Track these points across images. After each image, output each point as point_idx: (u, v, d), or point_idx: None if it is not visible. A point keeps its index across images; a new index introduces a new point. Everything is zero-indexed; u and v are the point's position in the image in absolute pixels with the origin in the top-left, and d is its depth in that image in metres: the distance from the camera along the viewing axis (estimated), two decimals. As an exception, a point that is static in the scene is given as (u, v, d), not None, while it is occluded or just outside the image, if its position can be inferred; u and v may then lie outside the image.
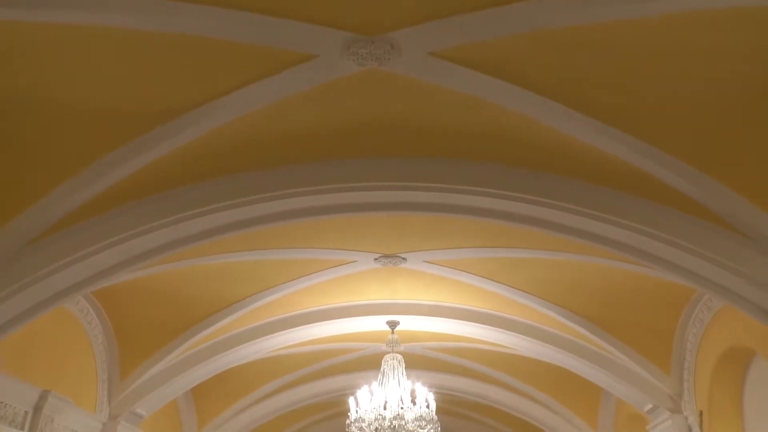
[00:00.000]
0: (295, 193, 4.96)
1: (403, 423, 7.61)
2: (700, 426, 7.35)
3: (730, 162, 4.27)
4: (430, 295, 8.12)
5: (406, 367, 8.31)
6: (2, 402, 5.97)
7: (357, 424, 7.82)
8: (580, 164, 4.65)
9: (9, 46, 3.55)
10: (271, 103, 4.17)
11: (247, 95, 4.04)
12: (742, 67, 3.70)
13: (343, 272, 7.24)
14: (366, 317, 8.40)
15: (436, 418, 7.89)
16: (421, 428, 7.67)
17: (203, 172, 4.83)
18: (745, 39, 3.50)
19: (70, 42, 3.56)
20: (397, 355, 8.39)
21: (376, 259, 6.90)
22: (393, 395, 7.86)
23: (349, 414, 7.99)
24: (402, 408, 7.72)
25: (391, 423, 7.61)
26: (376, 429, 7.71)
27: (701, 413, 7.34)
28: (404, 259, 6.90)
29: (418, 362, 9.88)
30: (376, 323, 8.53)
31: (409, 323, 8.54)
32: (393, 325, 8.48)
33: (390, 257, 6.87)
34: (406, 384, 8.04)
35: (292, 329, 8.36)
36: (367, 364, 9.88)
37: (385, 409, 7.76)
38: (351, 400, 8.09)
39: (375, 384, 8.06)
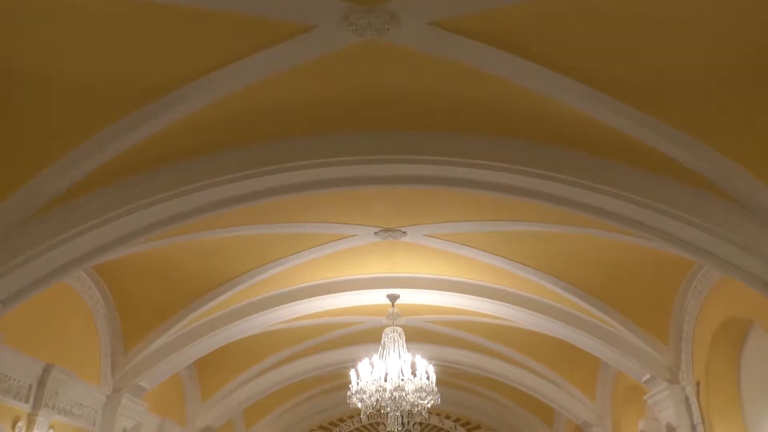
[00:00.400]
0: (293, 167, 4.95)
1: (404, 394, 7.70)
2: (697, 396, 7.44)
3: (729, 132, 4.25)
4: (430, 268, 8.15)
5: (406, 340, 8.38)
6: (6, 375, 6.04)
7: (358, 396, 7.91)
8: (578, 136, 4.63)
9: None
10: (269, 76, 4.14)
11: (244, 68, 4.01)
12: (738, 35, 3.68)
13: (344, 246, 7.26)
14: (366, 291, 8.45)
15: (436, 389, 7.98)
16: (422, 399, 7.76)
17: (200, 147, 4.81)
18: (740, 8, 3.49)
19: (68, 15, 3.52)
20: (398, 328, 8.45)
21: (376, 233, 6.91)
22: (393, 367, 7.94)
23: (350, 386, 8.08)
24: (402, 380, 7.80)
25: (392, 394, 7.69)
26: (377, 400, 7.80)
27: (698, 383, 7.42)
28: (404, 233, 6.92)
29: (418, 335, 9.95)
30: (377, 297, 8.58)
31: (409, 297, 8.59)
32: (393, 298, 8.54)
33: (390, 231, 6.89)
34: (407, 356, 8.12)
35: (292, 303, 8.42)
36: (368, 337, 9.96)
37: (385, 381, 7.84)
38: (352, 373, 8.17)
39: (375, 356, 8.13)
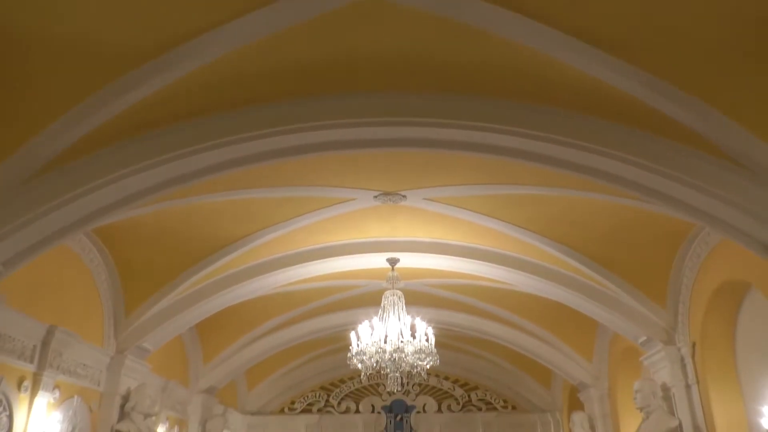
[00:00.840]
0: (292, 129, 4.89)
1: (403, 356, 7.79)
2: (693, 357, 7.54)
3: (731, 92, 4.19)
4: (429, 232, 8.16)
5: (405, 303, 8.43)
6: (10, 336, 6.11)
7: (358, 357, 8.01)
8: (581, 97, 4.57)
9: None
10: (266, 37, 4.07)
11: (239, 28, 3.94)
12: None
13: (343, 210, 7.26)
14: (366, 255, 8.48)
15: (435, 351, 8.07)
16: (421, 361, 7.86)
17: (196, 109, 4.75)
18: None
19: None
20: (397, 291, 8.50)
21: (375, 196, 6.89)
22: (393, 329, 8.01)
23: (350, 348, 8.17)
24: (402, 341, 7.88)
25: (392, 356, 7.78)
26: (377, 362, 7.89)
27: (694, 344, 7.52)
28: (404, 196, 6.90)
29: (417, 299, 10.03)
30: (377, 260, 8.62)
31: (409, 260, 8.62)
32: (393, 262, 8.57)
33: (390, 195, 6.87)
34: (406, 319, 8.19)
35: (292, 267, 8.46)
36: (368, 300, 10.04)
37: (385, 342, 7.93)
38: (352, 335, 8.25)
39: (375, 319, 8.20)
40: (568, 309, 9.02)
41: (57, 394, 6.83)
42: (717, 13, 3.76)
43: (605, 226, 7.14)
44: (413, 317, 8.23)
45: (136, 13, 3.83)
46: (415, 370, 7.89)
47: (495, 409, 15.22)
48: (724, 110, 4.24)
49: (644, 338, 8.16)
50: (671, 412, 7.77)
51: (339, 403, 15.38)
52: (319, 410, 15.28)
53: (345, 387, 15.45)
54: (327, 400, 15.41)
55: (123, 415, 8.05)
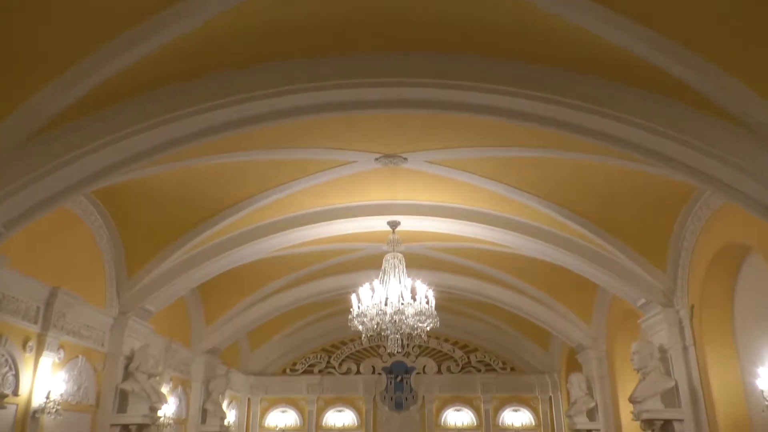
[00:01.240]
0: (292, 90, 4.84)
1: (404, 318, 7.84)
2: (690, 319, 7.61)
3: (738, 53, 4.11)
4: (430, 195, 8.14)
5: (406, 266, 8.46)
6: (14, 297, 6.16)
7: (359, 319, 8.07)
8: (584, 56, 4.48)
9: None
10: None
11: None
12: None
13: (344, 173, 7.22)
14: (367, 218, 8.47)
15: (435, 313, 8.13)
16: (421, 323, 7.92)
17: (195, 70, 4.69)
18: None
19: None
20: (398, 254, 8.50)
21: (376, 159, 6.85)
22: (394, 292, 8.05)
23: (351, 310, 8.23)
24: (402, 304, 7.93)
25: (392, 318, 7.84)
26: (378, 324, 7.95)
27: (692, 307, 7.57)
28: (405, 159, 6.85)
29: (418, 261, 10.06)
30: (377, 223, 8.62)
31: (409, 223, 8.62)
32: (394, 225, 8.57)
33: (390, 157, 6.82)
34: (407, 281, 8.22)
35: (293, 229, 8.47)
36: (369, 263, 10.08)
37: (386, 305, 7.98)
38: (353, 297, 8.30)
39: (376, 281, 8.24)
40: (567, 272, 9.05)
41: (62, 354, 6.93)
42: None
43: (606, 189, 7.12)
44: (414, 280, 8.26)
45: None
46: (416, 332, 7.95)
47: (494, 370, 15.46)
48: (734, 72, 4.16)
49: (643, 301, 8.21)
50: (668, 373, 7.88)
51: (340, 365, 15.62)
52: (320, 371, 15.53)
53: (346, 348, 15.67)
54: (328, 362, 15.65)
55: (127, 375, 8.18)
